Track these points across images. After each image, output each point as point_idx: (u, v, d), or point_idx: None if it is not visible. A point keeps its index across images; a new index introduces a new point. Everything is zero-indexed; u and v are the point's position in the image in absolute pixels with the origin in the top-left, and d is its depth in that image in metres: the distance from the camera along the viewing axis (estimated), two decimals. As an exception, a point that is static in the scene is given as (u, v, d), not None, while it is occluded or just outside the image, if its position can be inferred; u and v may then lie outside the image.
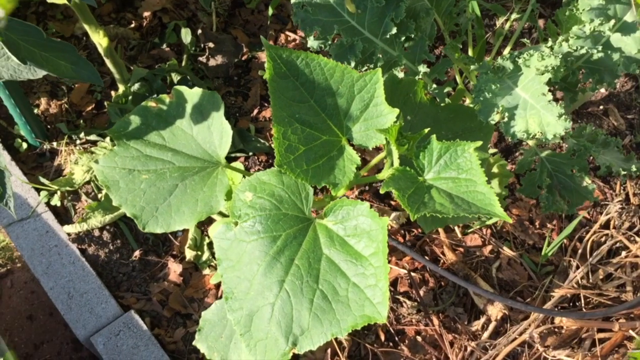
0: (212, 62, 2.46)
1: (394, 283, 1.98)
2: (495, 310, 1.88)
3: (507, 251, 2.05)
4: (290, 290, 1.29)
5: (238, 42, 2.54)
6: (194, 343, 1.59)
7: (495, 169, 1.87)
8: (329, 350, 1.83)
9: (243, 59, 2.51)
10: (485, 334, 1.87)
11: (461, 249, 2.04)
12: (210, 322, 1.60)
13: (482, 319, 1.89)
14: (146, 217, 1.47)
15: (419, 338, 1.88)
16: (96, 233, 1.96)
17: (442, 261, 2.03)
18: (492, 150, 1.95)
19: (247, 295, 1.32)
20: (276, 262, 1.31)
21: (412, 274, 1.97)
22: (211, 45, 2.47)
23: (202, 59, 2.46)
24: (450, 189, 1.32)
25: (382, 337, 1.88)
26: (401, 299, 1.95)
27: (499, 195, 1.87)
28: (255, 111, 2.36)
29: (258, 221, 1.34)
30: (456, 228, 2.09)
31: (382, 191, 1.30)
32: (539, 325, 1.87)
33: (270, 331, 1.29)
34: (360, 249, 1.29)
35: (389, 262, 1.99)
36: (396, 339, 1.88)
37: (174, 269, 1.95)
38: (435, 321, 1.89)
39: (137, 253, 1.96)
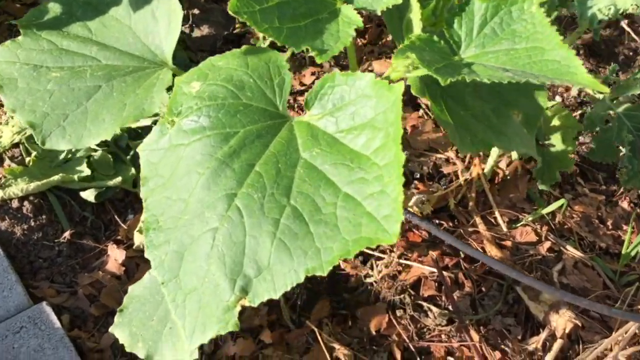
0: (196, 33, 2.11)
1: (415, 285, 1.48)
2: (563, 321, 1.36)
3: (572, 251, 1.55)
4: (245, 207, 0.83)
5: (230, 15, 2.19)
6: (110, 329, 1.11)
7: (556, 122, 1.42)
8: (319, 368, 1.32)
9: (234, 32, 2.16)
10: (549, 357, 1.34)
11: (508, 244, 1.55)
12: (139, 299, 1.12)
13: (543, 334, 1.37)
14: (49, 127, 1.05)
15: (450, 359, 1.35)
16: (14, 204, 1.53)
17: (481, 261, 1.53)
18: (549, 104, 1.51)
19: (178, 222, 0.87)
20: (226, 169, 0.86)
21: (443, 273, 1.47)
22: (196, 12, 2.13)
23: (185, 28, 2.12)
24: (503, 64, 0.88)
25: (398, 356, 1.36)
26: (425, 305, 1.44)
27: (565, 151, 1.40)
28: (244, 85, 1.96)
29: (205, 114, 0.91)
30: (501, 221, 1.61)
31: (394, 60, 0.86)
32: (626, 347, 1.34)
33: (209, 273, 0.82)
34: (359, 147, 0.84)
35: (408, 259, 1.51)
36: (418, 359, 1.36)
37: (115, 257, 1.49)
38: (475, 336, 1.37)
39: (67, 234, 1.51)
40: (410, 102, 1.97)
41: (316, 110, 0.91)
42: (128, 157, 1.64)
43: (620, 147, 1.40)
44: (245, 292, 0.80)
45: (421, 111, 1.93)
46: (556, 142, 1.42)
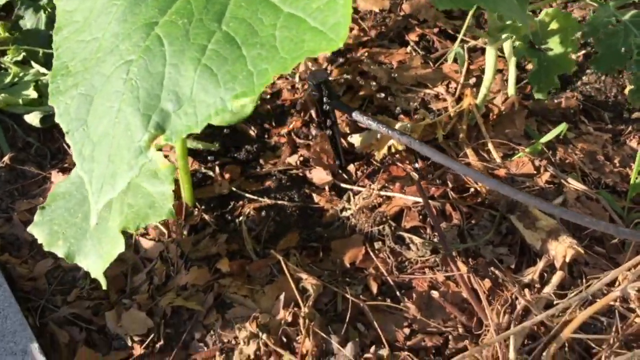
0: None
1: (397, 217, 1.34)
2: (562, 248, 1.21)
3: (574, 184, 1.40)
4: (166, 35, 0.70)
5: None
6: (28, 229, 0.97)
7: (554, 25, 1.28)
8: (282, 297, 1.16)
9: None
10: (547, 288, 1.19)
11: (502, 173, 1.40)
12: (63, 195, 0.98)
13: (541, 264, 1.22)
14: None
15: (434, 293, 1.20)
16: (-52, 125, 1.40)
17: (472, 190, 1.38)
18: (544, 13, 1.36)
19: (90, 63, 0.73)
20: (147, -2, 0.72)
21: (428, 201, 1.32)
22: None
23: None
24: None
25: (375, 289, 1.21)
26: (407, 237, 1.29)
27: (565, 53, 1.27)
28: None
29: (129, -55, 0.77)
30: (495, 155, 1.46)
31: None
32: (637, 279, 1.19)
33: (120, 113, 0.68)
34: (308, -33, 0.70)
35: (390, 189, 1.37)
36: (398, 293, 1.21)
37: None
38: (462, 267, 1.22)
39: (6, 158, 1.38)
40: (397, 39, 1.84)
41: (262, -60, 0.77)
42: (81, 83, 1.50)
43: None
44: (162, 129, 0.66)
45: (409, 47, 1.80)
46: (554, 45, 1.28)
